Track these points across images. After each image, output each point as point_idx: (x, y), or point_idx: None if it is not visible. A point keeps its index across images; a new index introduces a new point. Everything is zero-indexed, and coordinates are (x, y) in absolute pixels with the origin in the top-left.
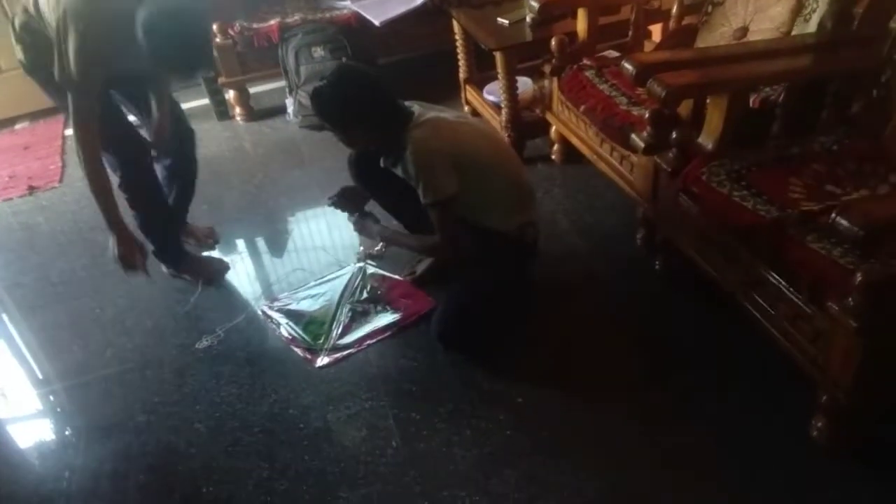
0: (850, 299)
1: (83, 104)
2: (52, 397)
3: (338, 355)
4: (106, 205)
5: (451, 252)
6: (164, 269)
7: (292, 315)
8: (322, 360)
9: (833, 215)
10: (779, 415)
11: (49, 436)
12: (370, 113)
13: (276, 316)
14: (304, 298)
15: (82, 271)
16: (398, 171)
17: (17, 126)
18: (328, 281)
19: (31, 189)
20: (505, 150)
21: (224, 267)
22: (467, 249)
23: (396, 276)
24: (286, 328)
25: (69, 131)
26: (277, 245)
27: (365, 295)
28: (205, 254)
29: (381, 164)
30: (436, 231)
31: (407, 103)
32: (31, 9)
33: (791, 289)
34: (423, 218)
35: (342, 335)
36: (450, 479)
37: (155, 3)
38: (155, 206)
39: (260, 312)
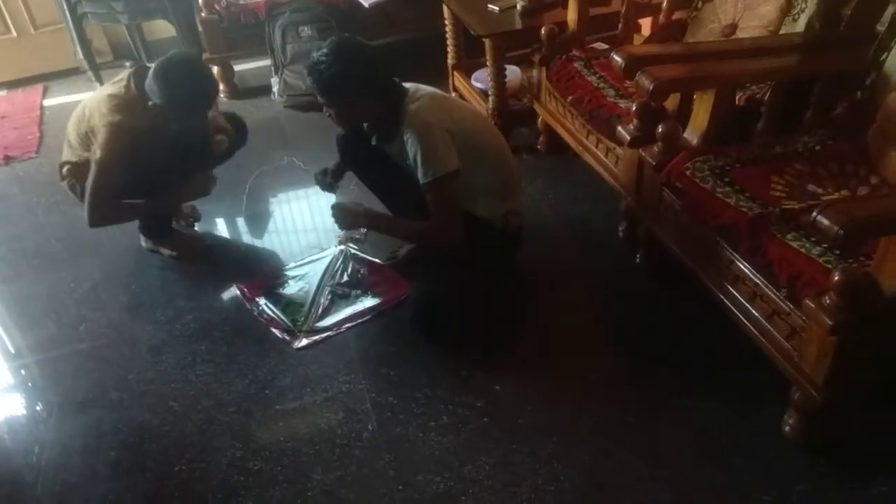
0: (826, 297)
1: (105, 171)
2: (23, 371)
3: (316, 337)
4: (137, 214)
5: (447, 238)
6: (142, 243)
7: (271, 296)
8: (300, 342)
9: (814, 214)
10: (753, 410)
11: (20, 410)
12: (369, 85)
13: (255, 296)
14: (284, 280)
15: (58, 244)
16: (390, 149)
17: None
18: (309, 263)
19: (8, 159)
20: (496, 135)
21: (204, 244)
22: (460, 238)
23: (377, 260)
24: (265, 308)
25: (48, 101)
26: (258, 225)
27: (345, 278)
28: (186, 231)
29: (374, 142)
30: (433, 213)
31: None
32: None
33: (769, 285)
34: (409, 201)
35: (321, 317)
36: (425, 464)
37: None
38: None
39: (239, 292)
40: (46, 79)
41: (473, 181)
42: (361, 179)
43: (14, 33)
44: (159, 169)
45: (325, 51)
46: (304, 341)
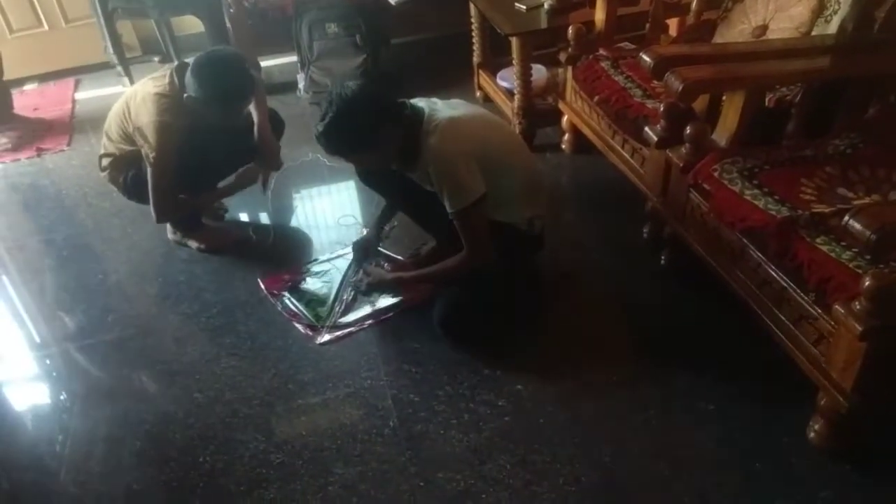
0: (856, 303)
1: (161, 170)
2: (50, 360)
3: (339, 333)
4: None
5: (483, 261)
6: (168, 235)
7: (295, 291)
8: (323, 338)
9: (846, 218)
10: (777, 415)
11: (46, 399)
12: (384, 130)
13: (279, 291)
14: (307, 275)
15: (86, 236)
16: (414, 177)
17: (26, 87)
18: (332, 259)
19: (40, 151)
20: (517, 141)
21: (230, 238)
22: (493, 256)
23: (400, 258)
24: (288, 304)
25: (79, 95)
26: (283, 221)
27: None
28: (213, 224)
29: (394, 168)
30: (464, 240)
31: (413, 101)
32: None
33: (797, 290)
34: (435, 211)
35: (344, 313)
36: (445, 462)
37: (197, 59)
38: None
39: (263, 287)
40: (78, 72)
41: (499, 192)
42: (385, 198)
43: (46, 27)
44: (211, 163)
45: (327, 113)
46: (327, 336)
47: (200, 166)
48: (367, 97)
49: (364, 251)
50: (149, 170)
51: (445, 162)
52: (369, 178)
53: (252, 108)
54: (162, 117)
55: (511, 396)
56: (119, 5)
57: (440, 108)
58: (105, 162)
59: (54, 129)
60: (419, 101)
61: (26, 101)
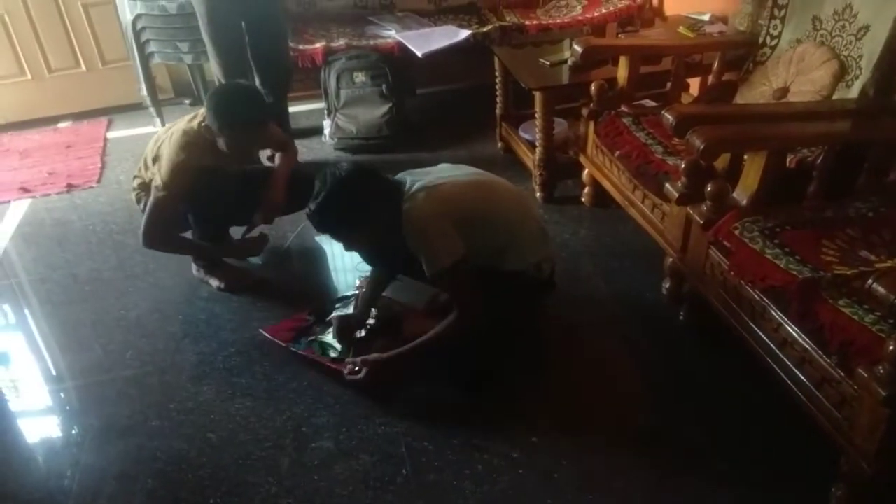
0: (880, 367)
1: (162, 204)
2: (66, 394)
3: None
4: (188, 251)
5: (473, 319)
6: (193, 272)
7: (305, 337)
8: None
9: (870, 282)
10: (797, 479)
11: (59, 433)
12: (375, 209)
13: (288, 340)
14: (312, 322)
15: (109, 272)
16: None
17: (61, 125)
18: (349, 303)
19: (70, 187)
20: (507, 192)
21: (252, 279)
22: (485, 313)
23: (409, 304)
24: (308, 347)
25: (111, 134)
26: (304, 263)
27: (371, 321)
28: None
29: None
30: (452, 299)
31: (396, 176)
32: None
33: (819, 351)
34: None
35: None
36: None
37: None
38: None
39: (268, 336)
40: (111, 112)
41: (497, 244)
42: (395, 274)
43: (84, 68)
44: (223, 208)
45: (320, 193)
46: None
47: (212, 209)
48: (360, 175)
49: (349, 333)
50: (151, 197)
51: (417, 227)
52: (376, 262)
53: (276, 159)
54: (178, 155)
55: (525, 448)
56: (155, 49)
57: (419, 176)
58: (136, 182)
59: (84, 166)
60: (402, 175)
61: (60, 137)
